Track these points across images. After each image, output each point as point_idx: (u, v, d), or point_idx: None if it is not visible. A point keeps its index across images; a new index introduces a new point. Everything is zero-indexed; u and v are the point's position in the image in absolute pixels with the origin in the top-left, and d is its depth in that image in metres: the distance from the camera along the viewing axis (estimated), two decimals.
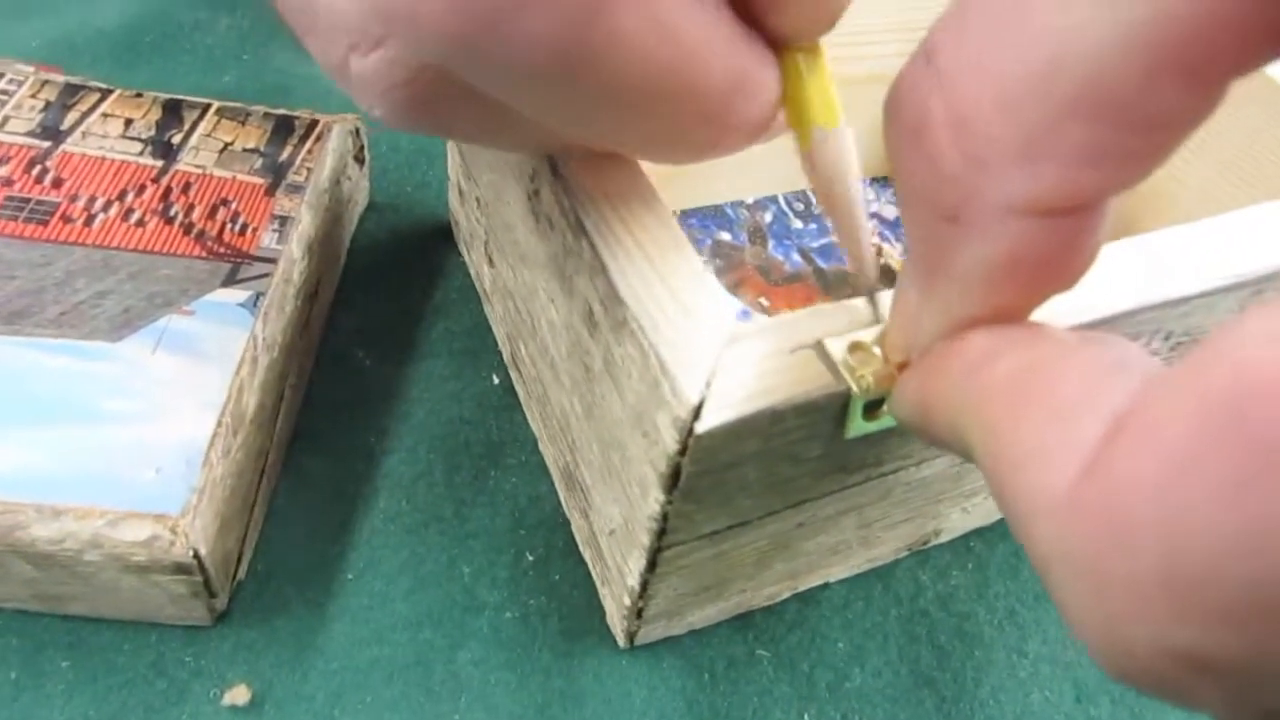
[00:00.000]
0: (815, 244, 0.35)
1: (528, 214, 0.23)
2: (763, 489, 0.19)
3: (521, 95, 0.14)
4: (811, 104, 0.16)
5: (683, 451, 0.17)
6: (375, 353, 0.28)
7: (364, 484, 0.25)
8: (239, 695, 0.20)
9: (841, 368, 0.17)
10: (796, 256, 0.34)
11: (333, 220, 0.28)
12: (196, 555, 0.19)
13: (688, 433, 0.16)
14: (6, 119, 0.28)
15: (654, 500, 0.18)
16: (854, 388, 0.17)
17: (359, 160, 0.31)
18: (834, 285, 0.34)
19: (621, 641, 0.23)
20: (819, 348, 0.17)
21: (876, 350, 0.17)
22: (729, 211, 0.35)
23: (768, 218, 0.36)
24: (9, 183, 0.26)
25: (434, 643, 0.22)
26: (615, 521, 0.21)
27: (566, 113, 0.15)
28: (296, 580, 0.22)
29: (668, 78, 0.14)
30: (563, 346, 0.22)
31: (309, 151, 0.29)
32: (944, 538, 0.26)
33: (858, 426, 0.18)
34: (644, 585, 0.21)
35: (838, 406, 0.17)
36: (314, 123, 0.30)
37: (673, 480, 0.17)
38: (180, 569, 0.19)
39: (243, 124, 0.29)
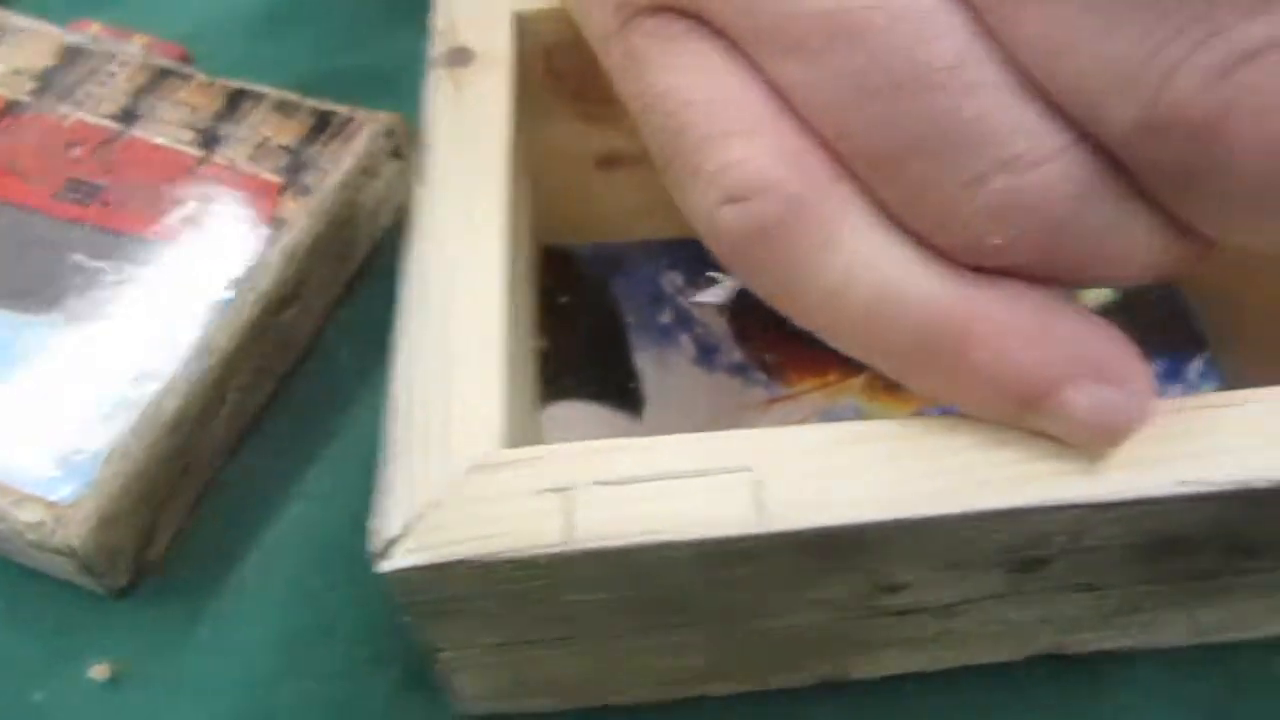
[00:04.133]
0: None
1: None
2: (527, 619, 0.18)
3: None
4: None
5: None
6: (359, 353, 0.29)
7: (290, 488, 0.26)
8: (101, 671, 0.22)
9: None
10: None
11: (337, 224, 0.29)
12: (73, 543, 0.22)
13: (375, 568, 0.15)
14: (101, 100, 0.31)
15: None
16: None
17: (398, 156, 0.32)
18: None
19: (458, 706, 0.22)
20: (566, 497, 0.16)
21: None
22: None
23: None
24: (77, 163, 0.29)
25: (274, 667, 0.23)
26: None
27: None
28: (191, 574, 0.24)
29: None
30: None
31: (332, 152, 0.30)
32: (861, 675, 0.23)
33: None
34: (441, 674, 0.20)
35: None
36: (349, 120, 0.30)
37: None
38: (59, 552, 0.22)
39: (288, 118, 0.31)
